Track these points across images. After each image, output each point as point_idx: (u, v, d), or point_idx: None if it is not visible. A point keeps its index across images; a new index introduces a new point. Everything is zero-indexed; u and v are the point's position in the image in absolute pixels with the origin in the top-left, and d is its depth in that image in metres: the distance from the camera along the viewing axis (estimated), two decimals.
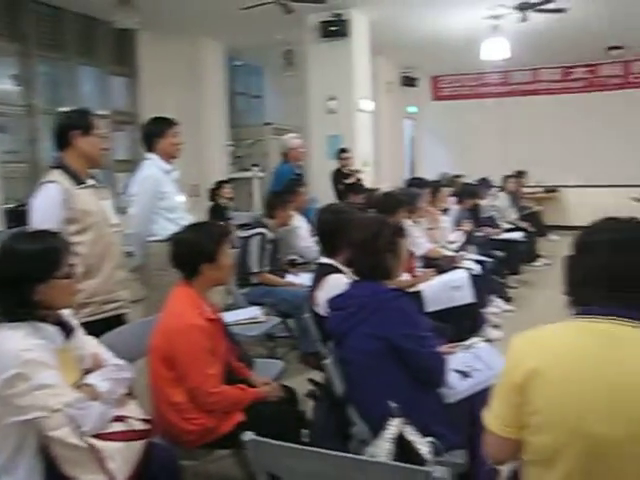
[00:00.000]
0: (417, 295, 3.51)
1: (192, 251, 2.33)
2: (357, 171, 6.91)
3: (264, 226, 4.24)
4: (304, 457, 1.50)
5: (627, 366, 1.31)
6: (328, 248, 2.87)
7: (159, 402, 2.24)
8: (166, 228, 3.29)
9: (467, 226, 5.54)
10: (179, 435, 2.22)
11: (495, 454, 1.55)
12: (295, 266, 4.58)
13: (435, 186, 5.62)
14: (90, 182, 2.78)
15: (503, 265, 5.91)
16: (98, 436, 1.75)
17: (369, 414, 2.08)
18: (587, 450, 1.31)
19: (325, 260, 2.85)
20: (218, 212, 6.88)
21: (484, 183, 7.19)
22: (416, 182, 5.67)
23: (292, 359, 4.02)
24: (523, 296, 5.96)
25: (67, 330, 1.92)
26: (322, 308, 2.49)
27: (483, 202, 6.96)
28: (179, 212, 3.46)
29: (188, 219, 3.28)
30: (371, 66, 8.43)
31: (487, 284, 4.86)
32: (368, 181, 7.41)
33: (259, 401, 2.31)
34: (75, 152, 2.73)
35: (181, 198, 3.54)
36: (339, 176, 6.79)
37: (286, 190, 4.69)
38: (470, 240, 5.52)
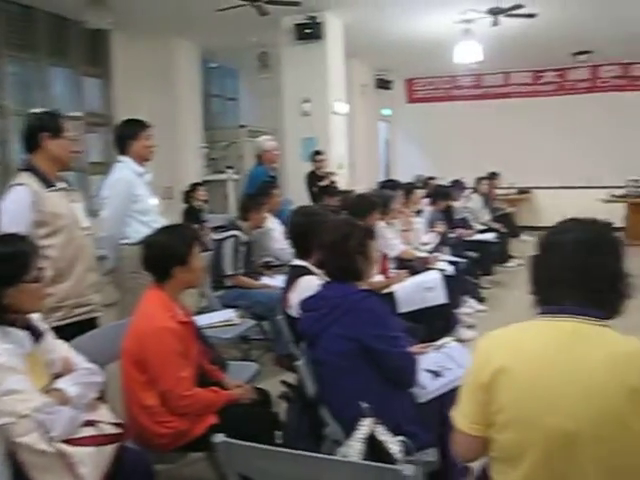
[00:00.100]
0: (390, 296, 3.55)
1: (164, 254, 2.32)
2: (331, 173, 6.94)
3: (238, 228, 4.24)
4: (275, 458, 1.50)
5: (590, 364, 1.35)
6: (300, 250, 2.89)
7: (131, 406, 2.23)
8: (139, 231, 3.26)
9: (440, 227, 5.60)
10: (151, 439, 2.21)
11: (463, 452, 1.58)
12: (269, 268, 4.58)
13: (408, 188, 5.67)
14: (60, 185, 2.75)
15: (476, 266, 5.99)
16: (68, 441, 1.74)
17: (341, 415, 2.10)
18: (551, 446, 1.35)
19: (298, 262, 2.87)
20: (192, 215, 6.85)
21: (457, 185, 7.28)
22: (389, 184, 5.71)
23: (267, 361, 4.02)
24: (496, 296, 6.04)
25: (36, 334, 1.90)
26: (295, 310, 2.50)
27: (456, 204, 7.04)
28: (152, 215, 3.45)
29: (161, 222, 3.26)
30: (345, 69, 8.47)
31: (460, 285, 4.92)
32: (343, 183, 7.45)
33: (232, 403, 2.31)
34: (45, 155, 2.70)
35: (154, 201, 3.53)
36: (313, 178, 6.81)
37: (260, 192, 4.69)
38: (443, 241, 5.58)
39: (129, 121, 3.58)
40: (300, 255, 2.89)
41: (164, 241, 2.36)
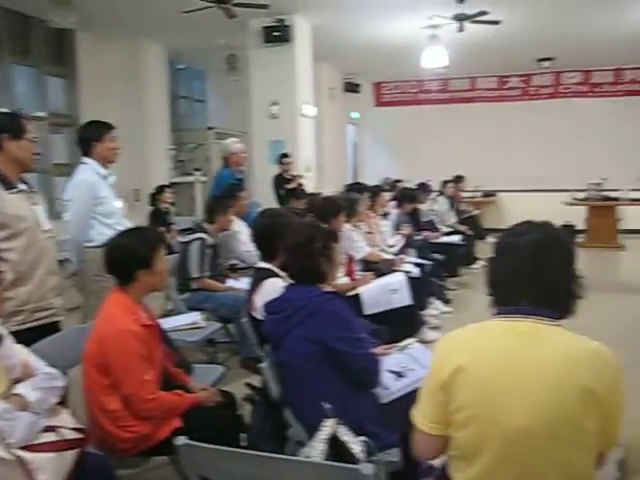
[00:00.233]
0: (356, 298, 3.58)
1: (127, 257, 2.30)
2: (298, 176, 6.96)
3: (204, 231, 4.22)
4: (236, 460, 1.51)
5: (544, 363, 1.39)
6: (265, 252, 2.89)
7: (93, 410, 2.21)
8: (103, 233, 3.24)
9: (406, 230, 5.66)
10: (114, 443, 2.19)
11: (423, 451, 1.61)
12: (236, 271, 4.57)
13: (375, 191, 5.72)
14: (21, 187, 2.71)
15: (442, 268, 6.07)
16: (27, 447, 1.71)
17: (305, 416, 2.11)
18: (507, 444, 1.39)
19: (262, 264, 2.87)
20: (159, 217, 6.80)
21: (423, 188, 7.36)
22: (356, 187, 5.75)
23: (233, 364, 4.01)
24: (462, 298, 6.12)
25: None
26: (259, 312, 2.51)
27: (423, 206, 7.13)
28: (116, 217, 3.42)
29: (125, 224, 3.24)
30: (314, 72, 8.51)
31: (426, 287, 4.99)
32: (310, 186, 7.48)
33: (197, 406, 2.30)
34: (5, 156, 2.65)
35: (118, 203, 3.50)
36: (280, 181, 6.81)
37: (226, 195, 4.68)
38: (409, 244, 5.64)
39: (93, 122, 3.54)
40: (265, 257, 2.89)
41: (128, 244, 2.34)
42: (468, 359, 1.45)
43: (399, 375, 2.32)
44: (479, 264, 7.43)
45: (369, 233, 4.98)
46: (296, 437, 2.12)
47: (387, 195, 6.38)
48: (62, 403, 2.00)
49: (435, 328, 4.76)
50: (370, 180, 9.01)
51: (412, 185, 7.57)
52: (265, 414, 2.25)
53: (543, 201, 9.94)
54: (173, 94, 9.98)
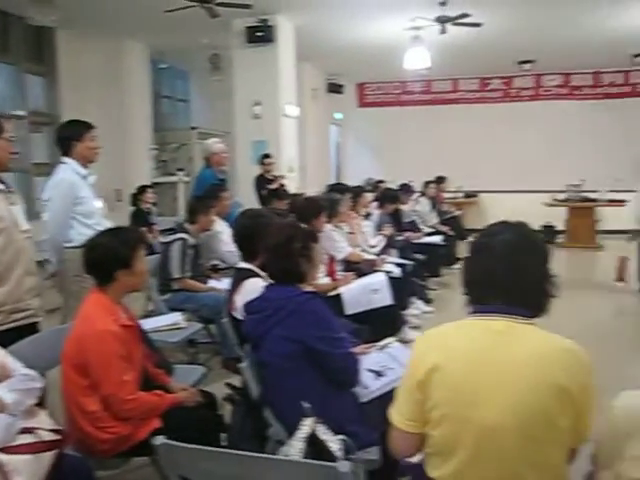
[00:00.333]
0: (337, 298, 3.60)
1: (107, 257, 2.29)
2: (280, 177, 6.96)
3: (185, 231, 4.21)
4: (214, 459, 1.52)
5: (518, 362, 1.42)
6: (246, 253, 2.90)
7: (72, 411, 2.20)
8: (83, 234, 3.21)
9: (388, 230, 5.69)
10: (93, 444, 2.17)
11: (399, 449, 1.63)
12: (217, 271, 4.56)
13: (356, 191, 5.75)
14: None
15: (423, 268, 6.11)
16: (3, 449, 1.70)
17: (285, 415, 2.12)
18: (481, 441, 1.41)
19: (243, 265, 2.88)
20: (140, 217, 6.76)
21: (405, 188, 7.41)
22: (338, 188, 5.78)
23: (215, 364, 4.01)
24: (443, 298, 6.17)
25: None
26: (240, 312, 2.52)
27: (405, 207, 7.17)
28: (96, 217, 3.40)
29: (105, 224, 3.22)
30: (297, 72, 8.52)
31: (407, 286, 5.02)
32: (292, 186, 7.49)
33: (177, 407, 2.30)
34: None
35: (98, 203, 3.47)
36: (262, 182, 6.81)
37: (208, 195, 4.67)
38: (391, 244, 5.67)
39: (73, 122, 3.52)
40: (246, 258, 2.90)
41: (107, 244, 2.33)
42: (444, 358, 1.47)
43: (378, 374, 2.34)
44: (460, 264, 7.50)
45: (351, 233, 5.01)
46: (276, 436, 2.13)
47: (369, 196, 6.41)
48: (40, 404, 1.99)
49: (416, 328, 4.78)
50: (353, 181, 9.04)
51: (394, 186, 7.60)
52: (245, 414, 2.25)
53: (524, 202, 10.06)
54: (156, 94, 9.92)
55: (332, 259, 4.25)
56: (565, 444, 1.43)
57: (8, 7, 6.94)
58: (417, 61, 8.38)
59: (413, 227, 6.95)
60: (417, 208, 7.62)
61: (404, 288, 4.79)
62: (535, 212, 9.59)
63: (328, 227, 4.23)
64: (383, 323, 3.59)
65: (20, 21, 7.06)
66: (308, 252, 2.26)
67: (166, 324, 3.51)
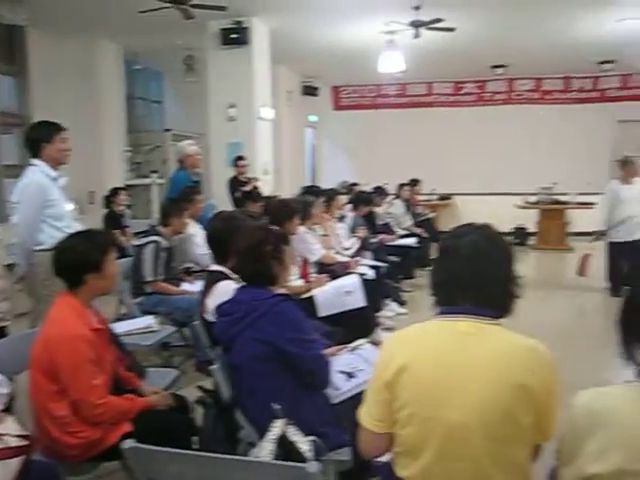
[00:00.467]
0: (311, 300, 3.61)
1: (76, 260, 2.27)
2: (254, 179, 6.95)
3: (158, 234, 4.19)
4: (183, 461, 1.52)
5: (483, 361, 1.45)
6: (218, 255, 2.90)
7: (41, 417, 2.17)
8: (53, 237, 3.18)
9: (361, 232, 5.73)
10: (62, 450, 2.15)
11: (368, 449, 1.65)
12: (191, 274, 4.54)
13: (330, 194, 5.77)
14: None
15: (398, 270, 6.16)
16: None
17: (257, 417, 2.12)
18: (447, 439, 1.44)
19: (215, 267, 2.88)
20: (113, 220, 6.70)
21: (379, 191, 7.45)
22: (312, 190, 5.80)
23: (188, 368, 3.99)
24: (417, 299, 6.21)
25: None
26: (212, 315, 2.51)
27: (379, 209, 7.22)
28: (67, 220, 3.37)
29: (76, 227, 3.19)
30: (272, 75, 8.52)
31: (381, 288, 5.06)
32: (267, 189, 7.48)
33: (148, 410, 2.29)
34: None
35: (69, 206, 3.44)
36: (235, 184, 6.79)
37: (181, 197, 4.65)
38: (365, 246, 5.71)
39: (42, 123, 3.49)
40: (218, 260, 2.90)
41: (77, 247, 2.30)
42: (411, 358, 1.50)
43: (350, 375, 2.36)
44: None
45: (325, 236, 5.03)
46: (247, 438, 2.14)
47: (343, 198, 6.44)
48: (7, 410, 1.97)
49: (390, 329, 4.81)
50: (328, 183, 9.08)
51: (369, 188, 7.65)
52: (217, 416, 2.25)
53: (497, 204, 10.20)
54: (129, 95, 9.82)
55: (305, 261, 4.27)
56: (528, 441, 1.46)
57: None
58: (392, 65, 8.45)
59: (387, 229, 6.99)
60: (391, 210, 7.67)
61: (378, 290, 4.83)
62: (508, 214, 9.77)
63: (301, 229, 4.24)
64: (357, 325, 3.62)
65: None
66: (279, 254, 2.27)
67: (139, 327, 3.49)
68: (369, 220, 6.44)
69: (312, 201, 4.63)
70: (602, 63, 10.40)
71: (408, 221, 7.81)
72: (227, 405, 2.20)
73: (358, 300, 3.71)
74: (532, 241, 10.20)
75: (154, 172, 9.08)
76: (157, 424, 2.22)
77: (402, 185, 8.16)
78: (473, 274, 1.52)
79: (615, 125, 11.57)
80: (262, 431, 2.00)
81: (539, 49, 9.42)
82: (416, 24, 7.43)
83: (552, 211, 9.89)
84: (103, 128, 8.55)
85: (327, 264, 4.57)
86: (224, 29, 7.51)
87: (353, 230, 5.83)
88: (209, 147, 7.96)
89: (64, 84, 8.00)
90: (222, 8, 6.60)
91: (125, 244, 6.19)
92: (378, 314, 4.82)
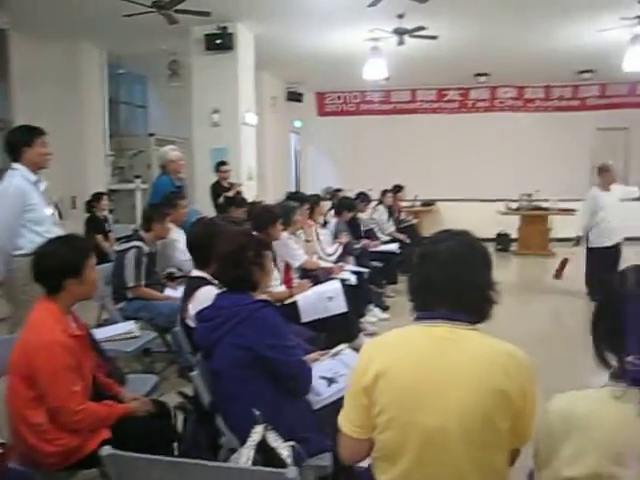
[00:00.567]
0: (293, 306, 3.61)
1: (56, 265, 2.25)
2: (237, 184, 6.94)
3: (141, 239, 4.17)
4: (162, 468, 1.51)
5: (460, 366, 1.45)
6: (199, 261, 2.90)
7: (17, 423, 2.14)
8: (33, 241, 3.14)
9: (344, 238, 5.74)
10: (39, 458, 2.12)
11: (347, 455, 1.65)
12: (174, 279, 4.52)
13: (314, 200, 5.78)
14: None
15: (381, 275, 6.18)
16: None
17: (237, 423, 2.12)
18: (426, 444, 1.45)
19: (196, 273, 2.87)
20: (96, 224, 6.65)
21: (362, 197, 7.48)
22: (295, 196, 5.81)
23: (171, 374, 3.97)
24: (400, 304, 6.22)
25: None
26: (193, 320, 2.51)
27: (363, 215, 7.25)
28: (47, 225, 3.34)
29: (56, 232, 3.16)
30: (256, 80, 8.54)
31: (364, 294, 5.07)
32: (251, 194, 7.48)
33: (128, 417, 2.27)
34: None
35: (49, 210, 3.41)
36: (218, 189, 6.78)
37: (164, 203, 4.63)
38: (348, 252, 5.72)
39: (23, 127, 3.47)
40: (199, 266, 2.89)
41: (56, 252, 2.28)
42: (389, 363, 1.50)
43: (331, 381, 2.36)
44: None
45: (308, 241, 5.04)
46: (228, 445, 2.13)
47: (327, 204, 6.45)
48: None
49: (373, 334, 4.82)
50: (312, 189, 9.09)
51: (353, 194, 7.68)
52: (197, 423, 2.24)
53: (480, 210, 10.28)
54: (113, 99, 9.78)
55: (288, 267, 4.27)
56: (506, 446, 1.47)
57: None
58: (376, 71, 8.51)
59: (370, 235, 7.02)
60: (374, 216, 7.70)
61: (361, 295, 4.84)
62: (490, 220, 9.86)
63: (284, 235, 4.24)
64: (339, 330, 3.63)
65: None
66: (260, 260, 2.27)
67: (120, 333, 3.46)
68: (352, 226, 6.46)
69: (295, 207, 4.63)
70: (582, 72, 10.59)
71: (391, 227, 7.85)
72: (207, 411, 2.19)
73: (340, 306, 3.73)
74: (515, 247, 10.29)
75: (138, 177, 9.04)
76: (137, 430, 2.21)
77: (385, 191, 8.20)
78: (450, 279, 1.53)
79: (594, 132, 11.77)
80: (243, 437, 1.99)
81: (521, 58, 9.56)
82: (400, 32, 7.51)
83: (534, 217, 10.00)
84: (86, 132, 8.49)
85: (310, 270, 4.57)
86: (208, 35, 7.52)
87: (336, 236, 5.85)
88: (193, 152, 7.95)
89: (46, 88, 7.95)
90: (206, 14, 6.61)
91: (108, 249, 6.15)
92: (361, 319, 4.83)
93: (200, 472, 1.47)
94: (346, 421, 1.59)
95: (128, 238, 4.41)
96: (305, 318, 3.60)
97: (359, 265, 5.53)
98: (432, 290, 1.56)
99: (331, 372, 2.40)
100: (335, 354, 2.53)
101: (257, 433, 1.84)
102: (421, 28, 7.32)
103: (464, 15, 7.42)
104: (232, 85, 7.73)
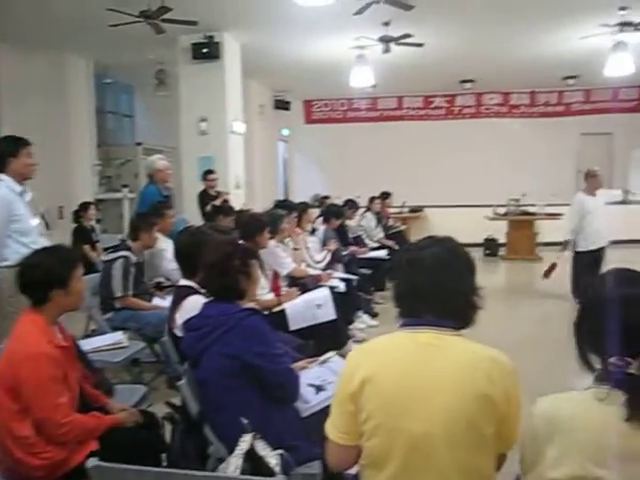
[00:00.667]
0: (282, 314, 3.61)
1: (42, 277, 2.24)
2: (224, 192, 6.94)
3: (128, 249, 4.15)
4: (151, 479, 1.51)
5: (445, 372, 1.46)
6: (186, 270, 2.89)
7: (3, 437, 2.11)
8: (19, 252, 3.13)
9: (332, 245, 5.75)
10: (26, 471, 2.09)
11: (334, 462, 1.65)
12: (162, 289, 4.50)
13: (302, 208, 5.79)
14: None
15: (369, 282, 6.19)
16: None
17: (226, 432, 2.11)
18: (412, 449, 1.45)
19: (184, 282, 2.87)
20: (83, 234, 6.62)
21: (350, 204, 7.50)
22: (283, 205, 5.81)
23: (159, 384, 3.95)
24: (388, 311, 6.18)
25: None
26: (180, 330, 2.50)
27: (351, 222, 7.26)
28: (33, 236, 3.33)
29: (42, 243, 3.15)
30: (244, 89, 8.57)
31: (353, 301, 5.08)
32: (239, 203, 7.47)
33: (116, 428, 2.26)
34: None
35: (35, 221, 3.40)
36: (205, 198, 6.77)
37: (151, 212, 4.62)
38: (337, 259, 5.73)
39: (8, 138, 3.46)
40: (186, 275, 2.89)
41: (42, 263, 2.27)
42: (375, 370, 1.51)
43: (319, 388, 2.36)
44: None
45: (296, 249, 5.04)
46: (217, 454, 2.12)
47: (315, 211, 6.46)
48: None
49: (362, 341, 4.83)
50: (300, 196, 9.10)
51: (340, 201, 7.69)
52: (185, 432, 2.23)
53: (468, 216, 10.33)
54: (100, 109, 9.76)
55: (276, 275, 4.27)
56: (491, 450, 1.48)
57: None
58: (362, 79, 8.56)
59: (359, 242, 7.04)
60: (363, 223, 7.73)
61: (349, 302, 4.85)
62: (478, 226, 9.92)
63: (272, 243, 4.24)
64: (328, 338, 3.63)
65: None
66: (247, 269, 2.27)
67: (108, 344, 3.44)
68: (340, 233, 6.47)
69: (282, 215, 4.64)
70: (566, 78, 10.72)
71: (379, 234, 7.87)
72: (195, 421, 2.18)
73: (329, 313, 3.73)
74: (503, 252, 10.35)
75: (125, 186, 9.01)
76: (125, 441, 2.20)
77: (373, 198, 8.23)
78: (435, 286, 1.54)
79: (579, 137, 11.91)
80: (231, 446, 1.98)
81: (506, 65, 9.66)
82: (385, 39, 7.56)
83: (521, 222, 10.07)
84: (73, 142, 8.47)
85: (298, 277, 4.57)
86: (195, 44, 7.54)
87: (324, 243, 5.85)
88: (180, 161, 7.94)
89: (33, 98, 7.92)
90: (193, 23, 6.63)
91: (95, 259, 6.11)
92: (350, 326, 4.84)
93: None
94: (332, 428, 1.59)
95: (115, 248, 4.38)
96: (293, 326, 3.60)
97: (348, 272, 5.54)
98: (417, 297, 1.57)
99: (319, 380, 2.40)
100: (323, 362, 2.53)
101: (245, 442, 1.83)
102: (407, 36, 7.38)
103: (449, 22, 7.50)
104: (219, 94, 7.74)
